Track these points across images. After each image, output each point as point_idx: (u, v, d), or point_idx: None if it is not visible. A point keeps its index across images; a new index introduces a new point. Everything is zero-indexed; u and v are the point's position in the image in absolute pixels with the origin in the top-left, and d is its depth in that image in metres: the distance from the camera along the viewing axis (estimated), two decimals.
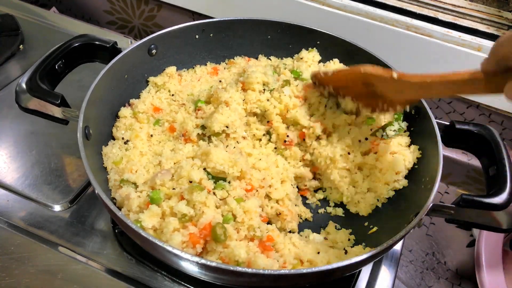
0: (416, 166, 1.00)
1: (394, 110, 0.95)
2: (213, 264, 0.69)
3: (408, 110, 1.02)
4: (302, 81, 1.08)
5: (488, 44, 1.27)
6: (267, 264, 0.78)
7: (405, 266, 1.41)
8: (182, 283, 0.95)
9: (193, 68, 1.25)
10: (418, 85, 0.84)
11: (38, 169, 1.13)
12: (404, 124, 1.04)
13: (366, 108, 1.01)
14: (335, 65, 1.20)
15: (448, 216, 0.86)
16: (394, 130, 1.02)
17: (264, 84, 1.07)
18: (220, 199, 0.86)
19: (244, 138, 1.03)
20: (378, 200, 1.01)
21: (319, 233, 0.99)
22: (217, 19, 1.21)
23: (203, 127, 1.03)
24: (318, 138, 1.06)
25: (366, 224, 0.99)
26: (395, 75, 0.87)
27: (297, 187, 1.07)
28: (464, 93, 0.81)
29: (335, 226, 1.00)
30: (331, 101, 1.07)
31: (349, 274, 0.93)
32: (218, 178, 0.89)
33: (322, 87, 1.05)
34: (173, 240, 0.76)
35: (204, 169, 0.89)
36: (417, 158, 1.01)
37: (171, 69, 1.18)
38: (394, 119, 1.04)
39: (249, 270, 0.69)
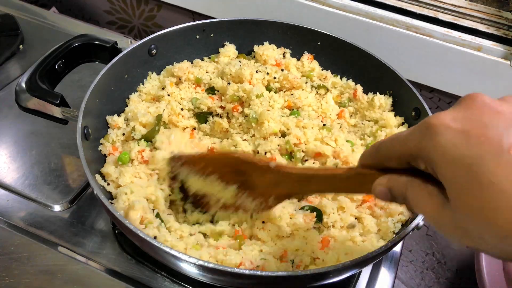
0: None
1: (265, 207, 0.84)
2: (211, 265, 0.69)
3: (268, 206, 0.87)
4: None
5: (488, 44, 1.26)
6: (281, 268, 0.79)
7: (405, 266, 1.41)
8: (182, 283, 0.95)
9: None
10: (297, 177, 0.76)
11: (38, 169, 1.13)
12: None
13: (232, 202, 0.88)
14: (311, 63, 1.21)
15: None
16: None
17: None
18: None
19: None
20: (383, 239, 0.91)
21: None
22: (217, 19, 1.21)
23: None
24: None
25: None
26: (272, 164, 0.79)
27: None
28: (347, 191, 0.78)
29: None
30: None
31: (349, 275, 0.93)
32: None
33: (183, 168, 0.91)
34: None
35: None
36: None
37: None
38: None
39: (247, 272, 0.69)
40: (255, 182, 0.82)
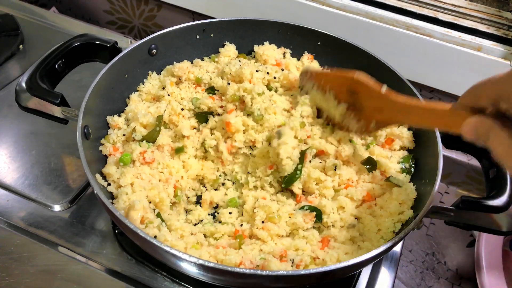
0: (416, 168, 1.00)
1: (367, 129, 0.93)
2: (211, 264, 0.69)
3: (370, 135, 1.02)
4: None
5: (488, 44, 1.27)
6: (281, 268, 0.78)
7: (405, 266, 1.41)
8: (182, 283, 0.95)
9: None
10: (400, 107, 0.83)
11: (38, 169, 1.13)
12: (411, 164, 1.02)
13: (340, 120, 0.98)
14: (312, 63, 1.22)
15: (448, 218, 0.86)
16: (404, 172, 0.99)
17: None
18: None
19: None
20: (383, 238, 0.90)
21: None
22: (217, 19, 1.21)
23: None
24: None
25: None
26: (383, 89, 0.86)
27: None
28: (440, 127, 0.82)
29: None
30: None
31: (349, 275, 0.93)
32: None
33: (309, 81, 1.04)
34: None
35: None
36: (418, 160, 1.01)
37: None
38: (404, 160, 1.01)
39: (247, 271, 0.69)
40: (363, 105, 0.91)
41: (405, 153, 1.04)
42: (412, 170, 1.00)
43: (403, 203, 0.91)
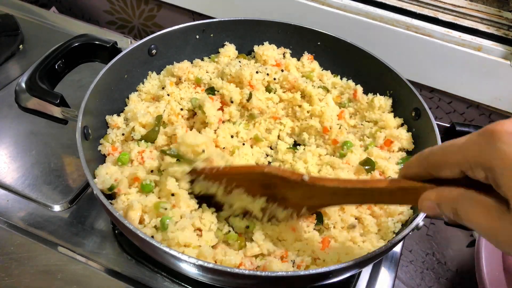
0: None
1: (298, 216, 0.82)
2: (210, 265, 0.69)
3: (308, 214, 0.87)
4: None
5: (488, 44, 1.26)
6: (282, 269, 0.78)
7: (405, 266, 1.41)
8: (182, 284, 0.95)
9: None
10: (333, 190, 0.73)
11: (38, 169, 1.13)
12: None
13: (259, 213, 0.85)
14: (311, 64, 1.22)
15: (447, 219, 0.86)
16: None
17: None
18: None
19: None
20: (383, 239, 0.90)
21: None
22: (217, 19, 1.21)
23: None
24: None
25: None
26: (306, 178, 0.74)
27: None
28: (388, 203, 0.75)
29: None
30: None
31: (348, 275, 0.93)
32: None
33: (205, 182, 0.85)
34: None
35: None
36: None
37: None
38: (403, 161, 1.01)
39: (246, 272, 0.69)
40: (285, 195, 0.79)
41: (404, 154, 1.04)
42: None
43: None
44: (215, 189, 0.84)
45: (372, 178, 0.86)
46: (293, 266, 0.82)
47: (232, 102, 1.05)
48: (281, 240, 0.86)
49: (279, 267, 0.78)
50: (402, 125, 1.08)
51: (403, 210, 0.90)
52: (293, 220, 0.83)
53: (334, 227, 0.90)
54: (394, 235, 0.87)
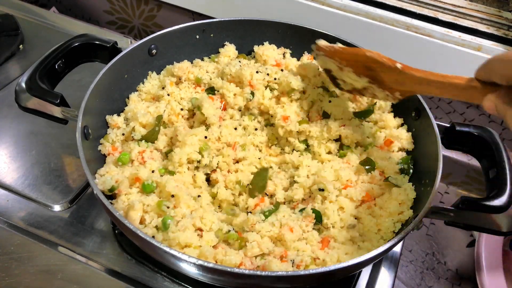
0: (416, 168, 1.00)
1: (392, 97, 0.96)
2: (210, 265, 0.69)
3: (397, 100, 0.98)
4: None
5: (488, 44, 1.26)
6: (281, 268, 0.78)
7: (405, 266, 1.41)
8: (182, 283, 0.95)
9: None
10: (420, 80, 0.86)
11: (38, 169, 1.13)
12: (411, 165, 1.02)
13: (362, 92, 1.02)
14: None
15: (448, 219, 0.86)
16: (402, 174, 0.99)
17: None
18: None
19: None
20: (383, 238, 0.89)
21: None
22: (217, 19, 1.21)
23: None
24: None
25: None
26: (399, 65, 0.88)
27: None
28: (460, 99, 0.83)
29: None
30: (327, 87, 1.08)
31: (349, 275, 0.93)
32: None
33: (325, 58, 1.04)
34: None
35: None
36: (417, 160, 1.01)
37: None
38: (402, 161, 1.01)
39: (246, 272, 0.69)
40: (383, 78, 0.93)
41: (404, 154, 1.04)
42: (411, 171, 1.00)
43: (403, 203, 0.91)
44: (332, 64, 1.02)
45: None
46: (292, 266, 0.82)
47: (240, 110, 1.06)
48: (281, 240, 0.86)
49: (279, 267, 0.78)
50: (402, 125, 1.08)
51: (403, 210, 0.90)
52: (393, 99, 0.97)
53: (333, 226, 0.90)
54: (394, 235, 0.87)
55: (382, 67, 0.91)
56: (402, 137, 1.04)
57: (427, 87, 0.86)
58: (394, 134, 1.04)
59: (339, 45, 1.02)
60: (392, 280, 1.04)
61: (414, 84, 0.87)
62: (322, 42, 1.04)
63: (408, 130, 1.06)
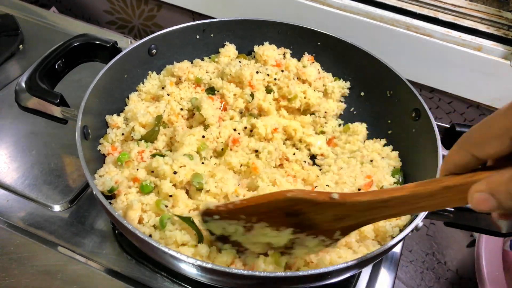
0: (416, 169, 1.00)
1: (330, 241, 0.74)
2: (209, 265, 0.69)
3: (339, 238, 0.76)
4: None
5: (488, 44, 1.26)
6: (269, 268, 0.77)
7: (405, 266, 1.41)
8: (182, 284, 0.95)
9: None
10: (368, 205, 0.65)
11: (38, 169, 1.13)
12: (401, 178, 1.02)
13: (284, 251, 0.78)
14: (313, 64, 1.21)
15: (447, 220, 0.86)
16: (395, 184, 0.98)
17: None
18: None
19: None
20: (380, 244, 0.88)
21: None
22: (217, 19, 1.21)
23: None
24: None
25: None
26: (335, 196, 0.66)
27: None
28: (433, 209, 0.64)
29: None
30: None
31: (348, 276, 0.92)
32: None
33: (220, 223, 0.75)
34: None
35: None
36: (417, 160, 1.01)
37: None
38: (393, 173, 1.01)
39: (245, 272, 0.69)
40: (314, 220, 0.70)
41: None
42: (401, 181, 1.01)
43: None
44: (234, 228, 0.74)
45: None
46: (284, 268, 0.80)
47: (241, 113, 1.06)
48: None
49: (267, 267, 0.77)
50: (387, 145, 1.09)
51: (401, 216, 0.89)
52: (326, 248, 0.76)
53: None
54: (391, 239, 0.86)
55: (311, 206, 0.68)
56: (391, 157, 1.05)
57: (381, 210, 0.65)
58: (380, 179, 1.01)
59: (238, 198, 0.79)
60: (392, 280, 1.04)
61: (362, 212, 0.66)
62: (210, 204, 0.74)
63: (408, 131, 1.06)
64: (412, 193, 0.60)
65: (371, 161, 1.03)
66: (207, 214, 0.74)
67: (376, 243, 0.88)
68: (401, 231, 0.87)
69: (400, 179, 1.02)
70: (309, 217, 0.69)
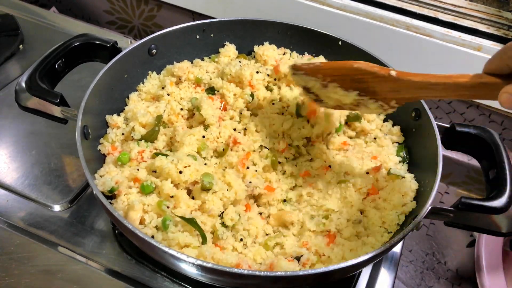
0: (416, 169, 1.00)
1: (388, 107, 0.87)
2: (209, 265, 0.69)
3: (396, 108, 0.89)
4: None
5: (488, 44, 1.26)
6: (289, 268, 0.79)
7: (405, 266, 1.41)
8: (182, 283, 0.95)
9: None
10: (419, 85, 0.78)
11: (38, 169, 1.13)
12: (405, 153, 1.05)
13: (350, 107, 0.92)
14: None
15: (447, 219, 0.86)
16: (401, 162, 1.02)
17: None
18: None
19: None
20: (388, 231, 0.90)
21: None
22: (217, 19, 1.21)
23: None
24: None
25: None
26: (393, 73, 0.80)
27: None
28: (468, 98, 0.77)
29: None
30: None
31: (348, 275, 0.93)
32: None
33: (304, 77, 0.94)
34: None
35: None
36: (417, 160, 1.01)
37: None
38: (398, 151, 1.04)
39: (245, 272, 0.69)
40: (375, 89, 0.84)
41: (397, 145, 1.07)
42: (407, 158, 1.03)
43: (406, 195, 0.92)
44: (313, 83, 0.92)
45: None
46: (298, 265, 0.83)
47: (241, 113, 1.06)
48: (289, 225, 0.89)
49: (287, 266, 0.79)
50: (386, 120, 1.11)
51: (406, 202, 0.91)
52: (388, 109, 0.87)
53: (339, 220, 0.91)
54: (399, 227, 0.88)
55: (374, 77, 0.82)
56: (393, 133, 1.07)
57: (428, 91, 0.78)
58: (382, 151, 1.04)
59: (319, 60, 0.94)
60: (392, 280, 1.04)
61: (413, 89, 0.80)
62: (298, 61, 0.96)
63: (408, 131, 1.06)
64: (455, 82, 0.73)
65: (375, 138, 1.07)
66: (295, 68, 0.94)
67: (384, 231, 0.89)
68: (407, 217, 0.87)
69: (405, 155, 1.04)
70: (371, 85, 0.84)
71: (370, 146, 1.05)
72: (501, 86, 0.64)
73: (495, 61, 0.66)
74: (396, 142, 1.07)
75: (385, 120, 1.11)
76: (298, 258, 0.86)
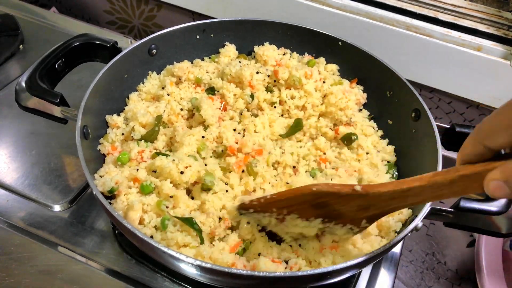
0: (416, 169, 1.00)
1: (358, 229, 0.78)
2: (208, 265, 0.69)
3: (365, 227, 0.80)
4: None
5: (488, 44, 1.26)
6: (270, 268, 0.78)
7: (405, 266, 1.41)
8: (182, 283, 0.95)
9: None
10: (390, 195, 0.69)
11: (38, 169, 1.13)
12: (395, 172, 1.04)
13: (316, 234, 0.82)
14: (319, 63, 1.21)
15: (446, 220, 0.86)
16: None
17: None
18: None
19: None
20: (384, 239, 0.89)
21: None
22: (217, 19, 1.21)
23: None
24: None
25: None
26: (358, 188, 0.70)
27: None
28: (449, 196, 0.66)
29: None
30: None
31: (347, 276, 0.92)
32: None
33: (255, 216, 0.83)
34: None
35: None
36: (417, 160, 1.01)
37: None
38: (388, 169, 1.03)
39: (244, 272, 0.69)
40: (341, 211, 0.74)
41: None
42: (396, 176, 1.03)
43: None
44: (267, 219, 0.81)
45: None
46: (285, 268, 0.81)
47: (241, 114, 1.06)
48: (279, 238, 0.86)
49: (268, 267, 0.77)
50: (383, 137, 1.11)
51: (403, 210, 0.90)
52: (357, 231, 0.79)
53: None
54: (396, 234, 0.87)
55: (337, 198, 0.72)
56: (386, 152, 1.06)
57: (402, 200, 0.69)
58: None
59: (268, 194, 0.81)
60: (392, 280, 1.04)
61: (384, 202, 0.71)
62: (245, 199, 0.84)
63: (408, 131, 1.06)
64: (430, 183, 0.64)
65: (367, 153, 1.04)
66: (243, 208, 0.83)
67: (380, 238, 0.88)
68: (403, 225, 0.87)
69: (395, 173, 1.03)
70: (335, 208, 0.74)
71: (358, 162, 1.02)
72: (484, 174, 0.54)
73: (468, 146, 0.57)
74: (386, 161, 1.06)
75: (382, 137, 1.11)
76: (286, 262, 0.84)
